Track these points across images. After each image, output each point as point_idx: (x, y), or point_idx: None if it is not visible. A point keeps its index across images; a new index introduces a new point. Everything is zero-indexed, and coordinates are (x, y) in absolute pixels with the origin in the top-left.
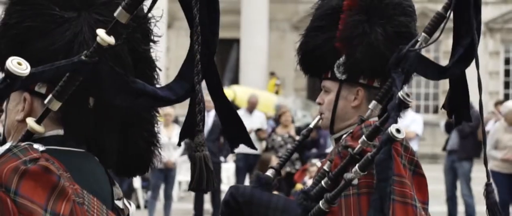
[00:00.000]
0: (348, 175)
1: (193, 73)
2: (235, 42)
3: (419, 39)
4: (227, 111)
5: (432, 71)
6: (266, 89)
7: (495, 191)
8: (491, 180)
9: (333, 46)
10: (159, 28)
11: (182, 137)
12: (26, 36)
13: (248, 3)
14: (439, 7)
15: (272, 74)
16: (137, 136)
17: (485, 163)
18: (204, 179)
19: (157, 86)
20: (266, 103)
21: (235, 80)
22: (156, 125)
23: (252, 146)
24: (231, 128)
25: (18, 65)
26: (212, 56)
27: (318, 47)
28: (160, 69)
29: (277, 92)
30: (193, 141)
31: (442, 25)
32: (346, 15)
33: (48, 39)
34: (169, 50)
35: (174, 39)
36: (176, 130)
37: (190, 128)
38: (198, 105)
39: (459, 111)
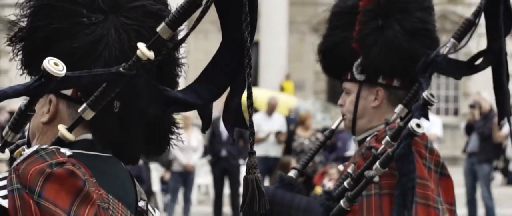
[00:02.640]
0: (369, 173)
1: (222, 82)
2: (255, 44)
3: (447, 45)
4: (236, 120)
5: (462, 68)
6: (281, 91)
7: None
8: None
9: (350, 47)
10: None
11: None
12: (53, 38)
13: (268, 6)
14: (459, 9)
15: (287, 76)
16: (164, 134)
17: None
18: (256, 202)
19: (180, 87)
20: (286, 106)
21: (254, 82)
22: (177, 125)
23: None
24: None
25: (55, 66)
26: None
27: (336, 48)
28: (183, 65)
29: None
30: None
31: (472, 30)
32: (362, 15)
33: (74, 41)
34: (188, 53)
35: (194, 42)
36: (195, 133)
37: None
38: (251, 127)
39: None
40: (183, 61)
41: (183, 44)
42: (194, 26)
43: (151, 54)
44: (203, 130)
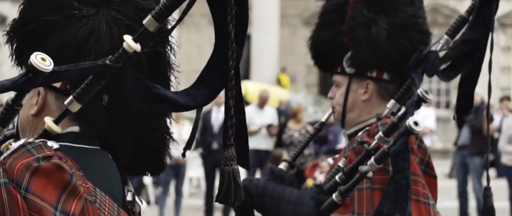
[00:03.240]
0: (363, 168)
1: (216, 81)
2: (247, 37)
3: (441, 42)
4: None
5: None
6: (277, 84)
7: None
8: (491, 185)
9: (341, 41)
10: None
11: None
12: (44, 30)
13: None
14: (450, 3)
15: (283, 69)
16: (153, 130)
17: (487, 168)
18: (231, 193)
19: (173, 89)
20: (277, 99)
21: (246, 76)
22: (169, 119)
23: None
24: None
25: (42, 61)
26: (236, 66)
27: (327, 42)
28: (178, 71)
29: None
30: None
31: (464, 28)
32: (352, 9)
33: (65, 34)
34: (180, 46)
35: (186, 35)
36: (187, 126)
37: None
38: (231, 119)
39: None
40: (174, 58)
41: (175, 39)
42: (181, 18)
43: (137, 47)
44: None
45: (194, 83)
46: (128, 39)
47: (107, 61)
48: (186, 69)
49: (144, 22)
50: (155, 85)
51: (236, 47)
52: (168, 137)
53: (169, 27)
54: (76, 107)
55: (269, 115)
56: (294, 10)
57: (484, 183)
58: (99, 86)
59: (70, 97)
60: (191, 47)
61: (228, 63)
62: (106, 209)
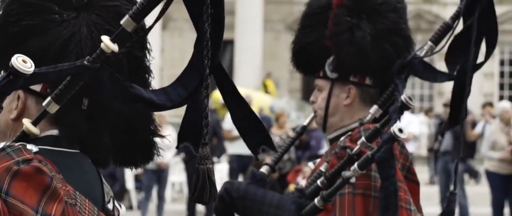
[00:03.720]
0: (346, 173)
1: (193, 81)
2: (229, 43)
3: (424, 48)
4: (245, 117)
5: (441, 74)
6: (260, 89)
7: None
8: (457, 190)
9: (323, 45)
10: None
11: (180, 141)
12: (24, 34)
13: (243, 4)
14: (434, 8)
15: (268, 75)
16: (143, 125)
17: (455, 172)
18: (206, 192)
19: (152, 88)
20: (260, 104)
21: None
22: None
23: (272, 147)
24: (252, 134)
25: (23, 63)
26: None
27: (309, 46)
28: (152, 77)
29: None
30: (191, 146)
31: (449, 34)
32: (334, 14)
33: (45, 37)
34: (163, 51)
35: (169, 40)
36: (169, 130)
37: (190, 133)
38: (205, 118)
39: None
40: (157, 61)
41: (158, 43)
42: (159, 17)
43: (115, 47)
44: (177, 147)
45: (173, 82)
46: (105, 39)
47: (85, 62)
48: (169, 73)
49: (121, 22)
50: (131, 84)
51: (212, 46)
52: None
53: (147, 27)
54: (54, 108)
55: None
56: (277, 15)
57: (467, 188)
58: (77, 87)
59: (49, 98)
60: (174, 51)
61: (204, 62)
62: (86, 212)
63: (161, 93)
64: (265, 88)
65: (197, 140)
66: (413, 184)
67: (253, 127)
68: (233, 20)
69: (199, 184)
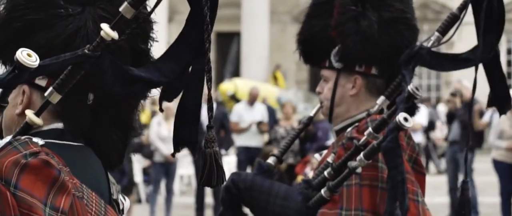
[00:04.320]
0: (352, 163)
1: (185, 56)
2: (236, 35)
3: (431, 38)
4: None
5: (447, 62)
6: (270, 82)
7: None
8: (469, 178)
9: (328, 35)
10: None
11: (161, 100)
12: (29, 28)
13: None
14: None
15: (277, 67)
16: (134, 123)
17: (465, 161)
18: (213, 175)
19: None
20: (267, 96)
21: (236, 73)
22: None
23: (193, 153)
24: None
25: (28, 57)
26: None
27: (314, 36)
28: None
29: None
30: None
31: (456, 24)
32: (340, 3)
33: (51, 32)
34: (170, 43)
35: (175, 33)
36: None
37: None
38: (209, 101)
39: (500, 101)
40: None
41: (164, 36)
42: (157, 4)
43: (115, 34)
44: (160, 108)
45: (162, 56)
46: (105, 27)
47: (86, 50)
48: None
49: (120, 9)
50: (129, 67)
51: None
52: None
53: (152, 24)
54: (56, 98)
55: (259, 112)
56: (283, 7)
57: (475, 178)
58: (78, 76)
59: (50, 88)
60: None
61: (204, 45)
62: (93, 205)
63: (153, 70)
64: (275, 81)
65: (192, 129)
66: (420, 175)
67: (190, 123)
68: (240, 12)
69: (207, 167)
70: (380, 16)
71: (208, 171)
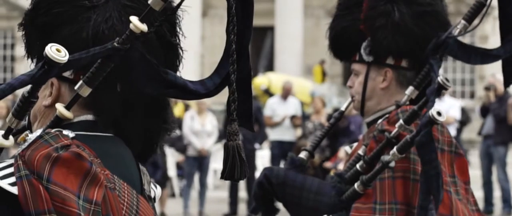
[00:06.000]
0: (385, 158)
1: (226, 68)
2: (270, 29)
3: (458, 26)
4: (245, 109)
5: (475, 56)
6: (313, 76)
7: None
8: (500, 174)
9: (358, 28)
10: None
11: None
12: (55, 22)
13: None
14: None
15: (322, 62)
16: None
17: None
18: (236, 168)
19: (187, 78)
20: (301, 90)
21: (270, 67)
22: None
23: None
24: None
25: (57, 52)
26: (245, 49)
27: (344, 30)
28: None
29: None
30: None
31: (483, 12)
32: None
33: (76, 25)
34: (204, 38)
35: (209, 27)
36: (209, 117)
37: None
38: (232, 94)
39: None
40: (197, 48)
41: (198, 30)
42: None
43: (144, 27)
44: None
45: (211, 74)
46: (134, 19)
47: (115, 43)
48: (210, 61)
49: (149, 1)
50: (165, 70)
51: (245, 29)
52: (168, 126)
53: (183, 16)
54: (86, 92)
55: (293, 106)
56: (317, 1)
57: (509, 172)
58: (108, 69)
59: (80, 82)
60: (214, 39)
61: (231, 45)
62: (126, 195)
63: (197, 83)
64: (323, 75)
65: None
66: (462, 157)
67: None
68: (274, 6)
69: (229, 160)
70: (409, 9)
71: (231, 164)
